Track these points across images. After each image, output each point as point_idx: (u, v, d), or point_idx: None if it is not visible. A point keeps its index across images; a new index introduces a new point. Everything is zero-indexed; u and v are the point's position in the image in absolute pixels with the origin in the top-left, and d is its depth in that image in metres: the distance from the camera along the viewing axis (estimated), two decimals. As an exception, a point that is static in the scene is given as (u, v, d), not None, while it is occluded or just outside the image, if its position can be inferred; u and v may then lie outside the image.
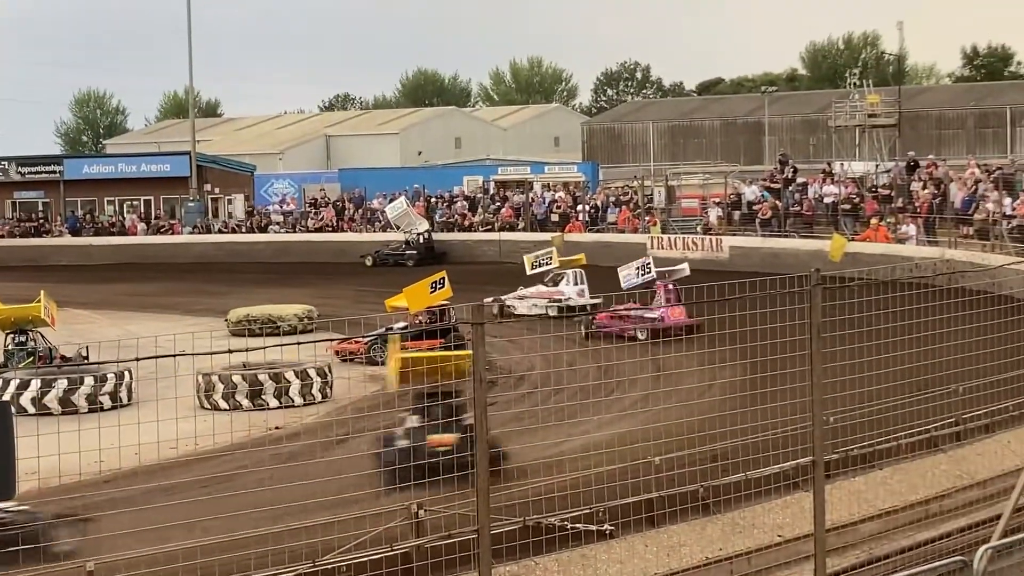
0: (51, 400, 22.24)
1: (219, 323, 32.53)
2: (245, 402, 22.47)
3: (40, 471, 11.08)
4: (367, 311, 29.47)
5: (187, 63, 65.50)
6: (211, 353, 10.06)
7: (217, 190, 62.76)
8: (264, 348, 13.76)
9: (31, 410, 21.66)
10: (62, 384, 22.39)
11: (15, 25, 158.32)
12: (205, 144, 71.53)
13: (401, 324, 27.45)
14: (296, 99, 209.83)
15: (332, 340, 26.88)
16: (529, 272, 35.08)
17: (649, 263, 31.24)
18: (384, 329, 27.27)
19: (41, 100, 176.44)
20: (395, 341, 21.43)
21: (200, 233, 58.60)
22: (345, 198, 59.09)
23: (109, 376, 22.70)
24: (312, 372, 23.21)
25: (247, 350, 9.42)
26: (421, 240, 49.79)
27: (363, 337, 27.00)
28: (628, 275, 30.94)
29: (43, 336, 26.35)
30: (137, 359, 8.19)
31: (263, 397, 22.64)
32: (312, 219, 57.26)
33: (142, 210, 62.95)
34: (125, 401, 22.70)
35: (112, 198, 63.76)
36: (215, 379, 22.38)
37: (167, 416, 17.09)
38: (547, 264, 34.91)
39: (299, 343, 27.82)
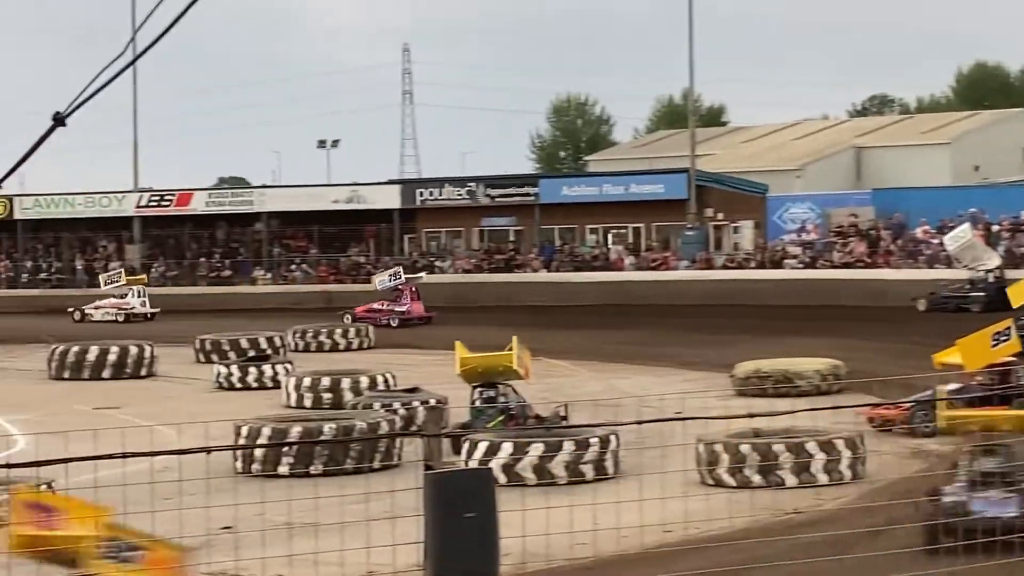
0: (524, 468, 23.17)
1: (722, 379, 32.90)
2: (756, 478, 22.56)
3: (512, 552, 11.57)
4: (909, 368, 28.93)
5: (686, 62, 66.89)
6: (726, 417, 10.12)
7: (721, 216, 63.63)
8: (791, 413, 13.80)
9: (501, 479, 22.62)
10: (537, 449, 23.30)
11: (488, 27, 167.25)
12: (707, 159, 72.73)
13: (953, 386, 26.78)
14: (819, 103, 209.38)
15: (865, 404, 26.58)
16: (104, 288, 60.53)
17: (399, 271, 55.61)
18: (930, 392, 26.71)
19: (514, 109, 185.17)
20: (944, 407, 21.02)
21: (700, 268, 59.63)
22: (880, 226, 58.40)
23: (592, 441, 23.38)
24: (839, 444, 23.00)
25: (768, 415, 9.46)
26: (991, 279, 48.39)
27: (904, 401, 26.53)
28: (382, 280, 54.89)
29: (515, 391, 27.48)
30: (639, 422, 8.43)
31: (778, 473, 22.65)
32: (838, 252, 56.95)
33: (630, 240, 64.83)
34: (610, 472, 23.31)
35: (595, 225, 66.02)
36: (719, 449, 22.60)
37: (659, 493, 17.51)
38: (117, 281, 60.51)
39: (835, 407, 27.70)
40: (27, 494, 13.20)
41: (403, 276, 54.89)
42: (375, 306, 54.12)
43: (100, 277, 62.83)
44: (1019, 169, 76.08)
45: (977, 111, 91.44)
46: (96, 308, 59.38)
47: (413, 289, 54.61)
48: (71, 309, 59.41)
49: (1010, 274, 48.82)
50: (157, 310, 59.55)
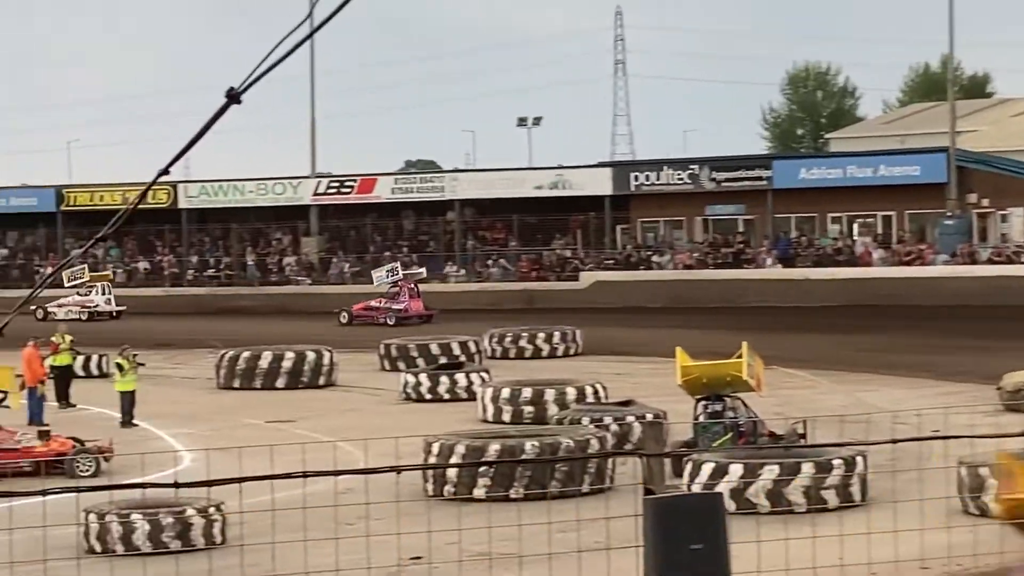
0: (757, 493, 23.07)
1: (989, 392, 32.36)
2: (1027, 508, 22.17)
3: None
4: None
5: (945, 23, 65.85)
6: (994, 436, 9.90)
7: (986, 202, 62.64)
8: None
9: (730, 506, 22.50)
10: (772, 472, 23.17)
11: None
12: (969, 137, 71.62)
13: None
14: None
15: None
16: (67, 285, 65.34)
17: (396, 267, 61.24)
18: None
19: (744, 80, 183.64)
20: None
21: (961, 263, 58.78)
22: None
23: (836, 463, 23.17)
24: None
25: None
26: None
27: None
28: (379, 276, 60.40)
29: (745, 404, 27.34)
30: (892, 441, 8.32)
31: (1054, 502, 22.23)
32: None
33: (879, 230, 64.11)
34: (857, 499, 23.08)
35: (838, 214, 65.45)
36: (985, 473, 22.23)
37: (916, 523, 17.25)
38: (80, 278, 66.04)
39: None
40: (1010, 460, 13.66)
41: (400, 273, 60.92)
42: (372, 303, 59.95)
43: (64, 275, 67.75)
44: None
45: None
46: (59, 306, 64.85)
47: (412, 286, 60.76)
48: (34, 308, 63.35)
49: None
50: (123, 308, 66.13)
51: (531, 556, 15.14)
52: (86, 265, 68.73)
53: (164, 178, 6.86)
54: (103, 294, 66.98)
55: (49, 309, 63.94)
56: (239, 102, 6.45)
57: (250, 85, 6.46)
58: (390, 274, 60.83)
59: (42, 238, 77.25)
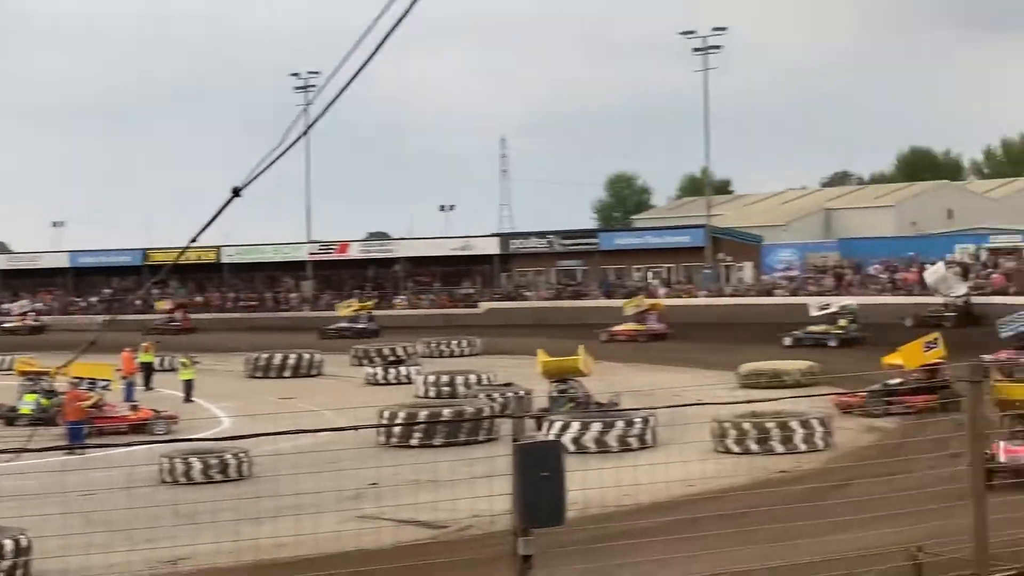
0: (588, 440, 23.11)
1: (730, 376, 32.61)
2: (754, 447, 22.35)
3: (577, 502, 11.55)
4: (866, 368, 28.56)
5: (703, 147, 66.59)
6: (732, 403, 10.01)
7: (729, 259, 63.24)
8: (780, 400, 13.66)
9: (571, 448, 22.53)
10: (597, 427, 23.23)
11: (566, 121, 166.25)
12: (718, 219, 72.28)
13: (896, 380, 26.39)
14: (798, 177, 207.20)
15: (833, 393, 26.32)
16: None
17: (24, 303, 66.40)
18: (880, 385, 26.34)
19: (581, 182, 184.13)
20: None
21: (713, 296, 59.22)
22: (845, 264, 57.73)
23: (636, 421, 23.27)
24: (814, 422, 22.73)
25: (763, 401, 9.32)
26: (961, 304, 46.90)
27: (862, 391, 26.20)
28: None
29: (581, 384, 27.40)
30: (670, 407, 8.30)
31: (770, 443, 22.43)
32: (812, 284, 56.41)
33: (665, 275, 64.51)
34: (649, 443, 23.18)
35: (639, 266, 65.75)
36: (728, 426, 22.42)
37: (685, 457, 17.38)
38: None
39: (810, 395, 27.43)
40: None
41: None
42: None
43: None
44: (944, 225, 74.83)
45: (914, 183, 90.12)
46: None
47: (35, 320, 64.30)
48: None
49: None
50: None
51: (444, 481, 15.03)
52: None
53: None
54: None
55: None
56: (239, 196, 5.41)
57: (250, 183, 5.46)
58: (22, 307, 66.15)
59: None
